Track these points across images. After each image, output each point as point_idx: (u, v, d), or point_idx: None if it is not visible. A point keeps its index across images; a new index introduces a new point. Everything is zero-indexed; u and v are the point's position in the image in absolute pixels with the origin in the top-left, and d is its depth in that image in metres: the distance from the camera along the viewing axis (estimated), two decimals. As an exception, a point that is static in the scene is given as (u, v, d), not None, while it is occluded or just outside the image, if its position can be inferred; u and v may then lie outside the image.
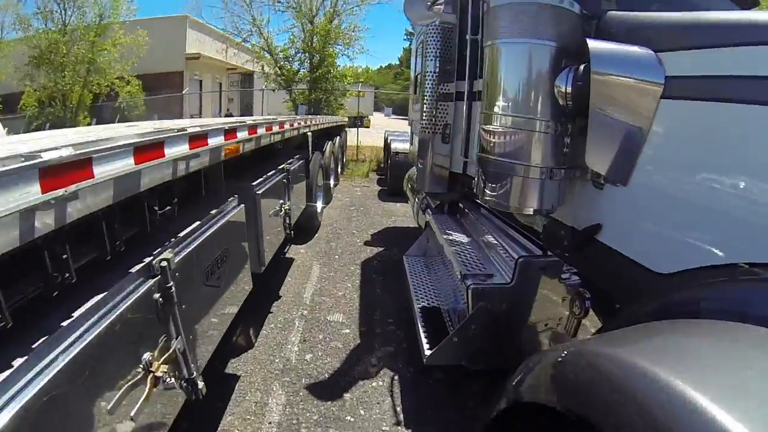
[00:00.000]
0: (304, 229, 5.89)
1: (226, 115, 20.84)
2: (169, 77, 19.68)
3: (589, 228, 2.02)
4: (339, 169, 10.10)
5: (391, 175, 9.00)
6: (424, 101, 3.48)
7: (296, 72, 17.27)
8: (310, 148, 5.55)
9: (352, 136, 14.34)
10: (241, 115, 20.09)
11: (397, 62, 79.83)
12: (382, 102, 47.84)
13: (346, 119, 13.05)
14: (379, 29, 34.62)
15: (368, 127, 21.35)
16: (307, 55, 16.96)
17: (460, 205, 4.12)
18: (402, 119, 29.08)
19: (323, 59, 16.74)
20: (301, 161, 5.13)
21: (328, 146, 7.37)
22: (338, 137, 9.74)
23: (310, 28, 16.87)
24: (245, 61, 21.84)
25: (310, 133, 5.58)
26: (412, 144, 4.98)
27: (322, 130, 7.30)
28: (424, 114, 3.48)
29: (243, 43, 18.61)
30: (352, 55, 18.57)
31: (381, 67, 73.72)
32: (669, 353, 0.99)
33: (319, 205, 6.60)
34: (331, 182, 8.02)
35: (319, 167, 6.19)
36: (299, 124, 5.23)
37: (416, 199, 5.06)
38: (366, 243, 6.28)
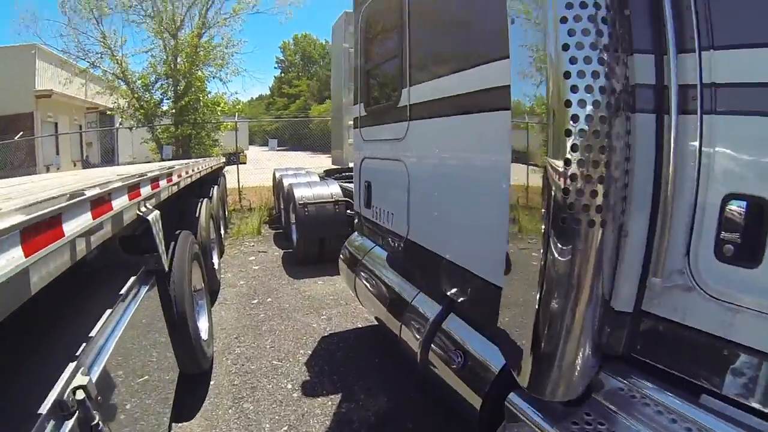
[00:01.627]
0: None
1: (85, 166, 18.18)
2: (16, 120, 16.99)
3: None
4: (222, 232, 8.62)
5: (302, 237, 7.57)
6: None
7: (158, 103, 15.63)
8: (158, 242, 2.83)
9: (230, 177, 13.15)
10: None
11: (269, 92, 79.86)
12: (255, 136, 46.76)
13: (223, 159, 12.15)
14: (257, 46, 33.61)
15: (245, 163, 20.58)
16: (170, 81, 15.44)
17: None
18: (289, 151, 27.52)
19: (190, 84, 15.21)
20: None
21: (203, 209, 5.74)
22: (216, 186, 8.18)
23: (173, 44, 15.32)
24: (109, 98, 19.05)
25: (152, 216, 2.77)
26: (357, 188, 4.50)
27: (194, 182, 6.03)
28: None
29: (92, 71, 16.49)
30: (225, 77, 16.85)
31: (252, 99, 72.88)
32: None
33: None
34: (215, 260, 6.39)
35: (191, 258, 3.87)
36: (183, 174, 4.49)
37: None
38: (305, 392, 4.00)
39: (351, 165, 6.00)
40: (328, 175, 10.12)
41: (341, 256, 4.90)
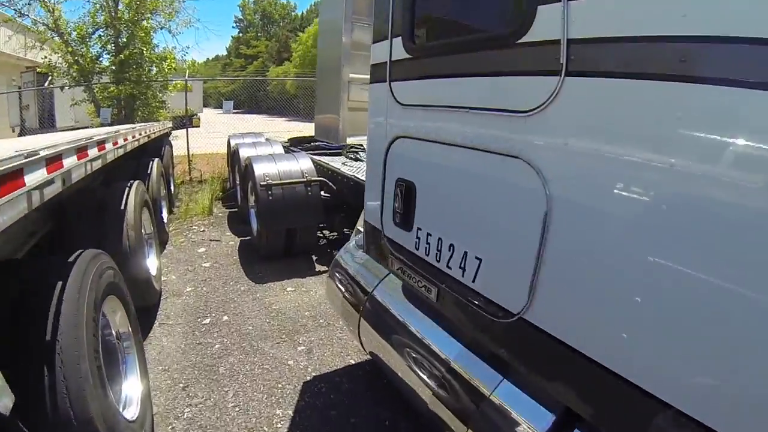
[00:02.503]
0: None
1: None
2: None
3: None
4: (165, 217, 6.65)
5: (265, 227, 5.60)
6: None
7: (96, 58, 12.54)
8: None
9: (178, 145, 10.82)
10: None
11: (225, 53, 74.32)
12: (210, 98, 42.91)
13: (170, 124, 9.88)
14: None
15: (198, 126, 18.25)
16: (111, 32, 12.40)
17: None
18: (245, 114, 24.88)
19: (133, 36, 12.21)
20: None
21: (132, 195, 3.98)
22: (156, 161, 6.21)
23: (116, -13, 12.06)
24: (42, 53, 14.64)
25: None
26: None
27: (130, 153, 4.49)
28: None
29: (20, 21, 13.06)
30: (176, 29, 13.80)
31: (208, 59, 67.51)
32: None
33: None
34: (152, 271, 4.32)
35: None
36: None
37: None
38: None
39: (350, 141, 4.26)
40: (294, 145, 8.12)
41: (334, 279, 3.19)
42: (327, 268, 5.53)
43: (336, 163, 6.26)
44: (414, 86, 2.03)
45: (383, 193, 2.29)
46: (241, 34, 69.26)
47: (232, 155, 8.29)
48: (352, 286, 2.97)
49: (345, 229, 6.28)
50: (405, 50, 2.03)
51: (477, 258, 1.80)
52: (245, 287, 5.22)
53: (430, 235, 2.05)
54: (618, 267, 1.26)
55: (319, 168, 6.07)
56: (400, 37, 2.04)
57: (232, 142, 8.57)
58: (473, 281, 1.81)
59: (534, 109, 1.46)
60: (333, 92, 3.97)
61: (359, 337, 2.86)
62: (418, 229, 2.11)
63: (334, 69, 4.13)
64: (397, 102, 2.12)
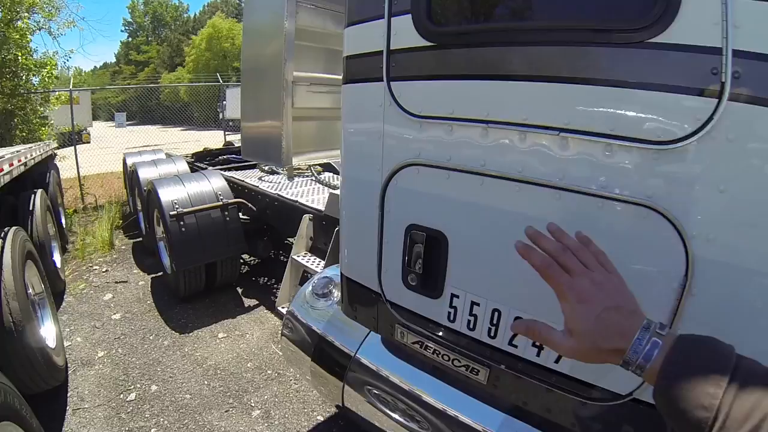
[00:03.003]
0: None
1: None
2: None
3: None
4: (58, 260, 5.07)
5: (180, 265, 4.47)
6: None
7: None
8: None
9: (66, 166, 9.05)
10: None
11: (114, 60, 66.95)
12: (100, 111, 38.07)
13: (54, 144, 8.16)
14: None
15: (88, 142, 16.03)
16: None
17: None
18: (138, 126, 22.51)
19: (6, 39, 9.58)
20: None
21: (8, 250, 2.92)
22: (39, 193, 4.74)
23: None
24: None
25: None
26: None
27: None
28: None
29: None
30: (57, 30, 11.16)
31: (95, 68, 60.38)
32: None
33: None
34: (49, 342, 3.22)
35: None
36: None
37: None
38: None
39: (297, 162, 3.33)
40: (200, 160, 7.04)
41: (293, 339, 2.45)
42: (257, 302, 4.86)
43: (252, 179, 5.39)
44: (440, 89, 1.33)
45: (381, 245, 1.59)
46: (130, 39, 62.58)
47: (130, 177, 6.86)
48: (323, 349, 2.26)
49: (272, 252, 5.55)
50: (420, 34, 1.32)
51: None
52: (169, 341, 4.19)
53: (477, 304, 1.40)
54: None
55: (234, 186, 5.11)
56: (410, 15, 1.32)
57: (129, 161, 7.17)
58: (556, 362, 1.27)
59: (674, 141, 0.97)
60: (269, 98, 3.05)
61: (342, 402, 2.19)
62: (454, 296, 1.45)
63: (269, 67, 3.10)
64: (405, 112, 1.40)
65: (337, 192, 3.41)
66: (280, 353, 3.70)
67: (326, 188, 4.73)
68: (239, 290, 5.20)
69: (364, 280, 1.73)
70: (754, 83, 0.87)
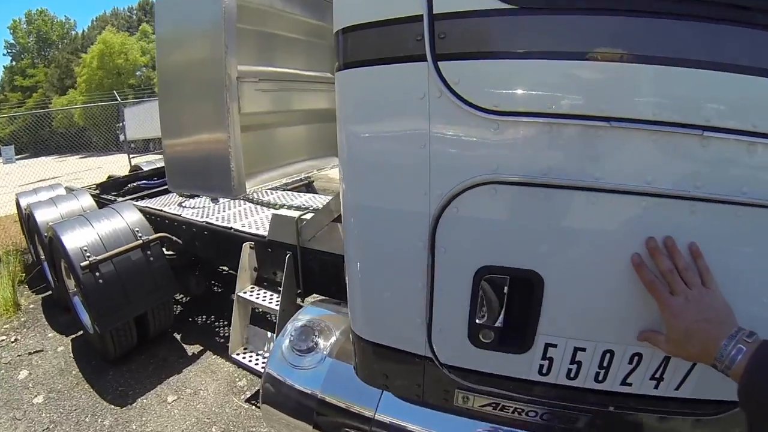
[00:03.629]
0: None
1: None
2: None
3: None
4: None
5: (103, 324, 3.55)
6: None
7: None
8: None
9: None
10: None
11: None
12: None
13: None
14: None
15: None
16: None
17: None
18: (31, 159, 19.53)
19: None
20: None
21: None
22: None
23: None
24: None
25: None
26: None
27: None
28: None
29: None
30: None
31: (-44, 96, 52.23)
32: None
33: None
34: None
35: None
36: None
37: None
38: None
39: (254, 191, 2.57)
40: (107, 191, 5.90)
41: (282, 407, 1.90)
42: (201, 347, 4.08)
43: (171, 206, 4.50)
44: (532, 71, 0.91)
45: (432, 297, 1.13)
46: (14, 63, 54.93)
47: (27, 221, 5.54)
48: (327, 413, 1.76)
49: (209, 283, 4.80)
50: None
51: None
52: (110, 420, 3.33)
53: (583, 349, 1.06)
54: None
55: (152, 218, 4.23)
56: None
57: (23, 202, 5.84)
58: (677, 388, 1.09)
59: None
60: (204, 105, 2.24)
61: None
62: (550, 345, 1.07)
63: (202, 66, 2.35)
64: (470, 106, 0.94)
65: (284, 213, 2.79)
66: (251, 410, 3.08)
67: (261, 208, 4.07)
68: (178, 337, 4.37)
69: (398, 342, 1.26)
70: None
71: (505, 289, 1.04)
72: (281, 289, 2.68)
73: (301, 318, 2.00)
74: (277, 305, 2.72)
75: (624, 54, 0.84)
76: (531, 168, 0.93)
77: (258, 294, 3.08)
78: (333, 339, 1.96)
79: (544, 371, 1.11)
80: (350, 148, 1.15)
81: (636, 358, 1.05)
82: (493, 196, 0.97)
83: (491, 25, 0.90)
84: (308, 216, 2.59)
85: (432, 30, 0.92)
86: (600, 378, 1.08)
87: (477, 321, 1.09)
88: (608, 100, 0.86)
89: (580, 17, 0.86)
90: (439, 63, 0.93)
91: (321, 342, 1.91)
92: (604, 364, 1.06)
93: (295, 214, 2.65)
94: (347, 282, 1.36)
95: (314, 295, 2.98)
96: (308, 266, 2.71)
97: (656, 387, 1.07)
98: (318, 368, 1.83)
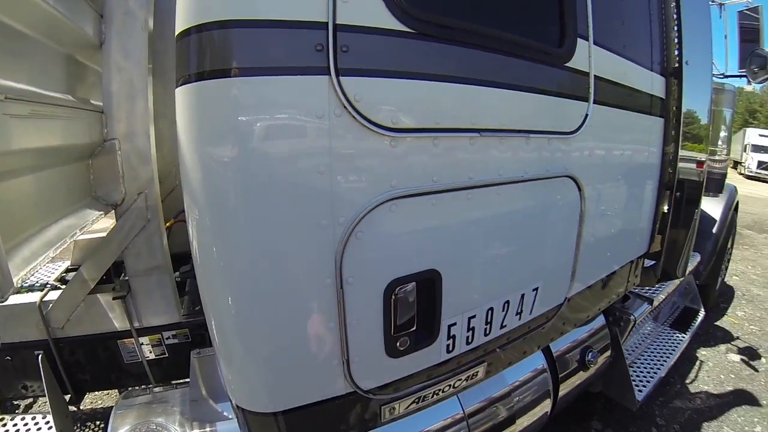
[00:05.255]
0: None
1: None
2: None
3: None
4: None
5: None
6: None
7: None
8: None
9: None
10: None
11: None
12: None
13: None
14: None
15: None
16: None
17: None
18: None
19: None
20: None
21: None
22: None
23: None
24: None
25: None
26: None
27: None
28: None
29: None
30: None
31: None
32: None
33: None
34: None
35: None
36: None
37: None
38: None
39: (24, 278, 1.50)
40: None
41: None
42: None
43: None
44: (422, 91, 0.97)
45: (345, 331, 1.09)
46: None
47: None
48: None
49: None
50: (393, 14, 0.90)
51: (534, 289, 1.49)
52: None
53: (474, 316, 1.30)
54: None
55: None
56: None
57: None
58: (530, 312, 1.51)
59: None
60: None
61: None
62: (451, 326, 1.24)
63: None
64: (372, 124, 0.94)
65: (14, 301, 1.98)
66: None
67: None
68: None
69: (315, 395, 1.16)
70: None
71: (414, 294, 1.11)
72: (47, 404, 1.92)
73: (121, 430, 1.54)
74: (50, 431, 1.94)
75: (483, 79, 1.04)
76: (423, 179, 1.02)
77: (10, 429, 2.10)
78: (175, 438, 1.60)
79: (451, 348, 1.27)
80: (217, 188, 0.93)
81: (505, 305, 1.33)
82: (393, 211, 1.02)
83: (392, 44, 0.93)
84: (53, 295, 1.92)
85: (336, 41, 0.87)
86: (487, 332, 1.34)
87: (393, 334, 1.13)
88: (477, 116, 1.06)
89: (454, 47, 1.03)
90: (341, 78, 0.88)
91: None
92: (489, 320, 1.33)
93: (33, 297, 1.92)
94: (226, 358, 1.14)
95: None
96: (72, 361, 2.04)
97: (520, 318, 1.42)
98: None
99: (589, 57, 1.47)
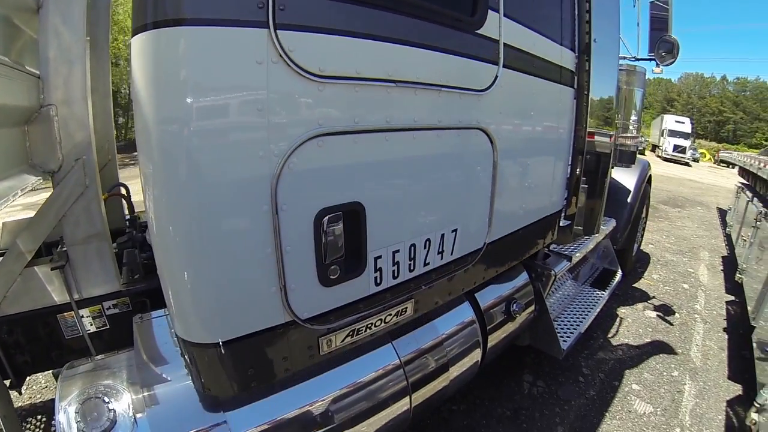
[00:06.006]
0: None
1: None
2: None
3: None
4: None
5: None
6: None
7: None
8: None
9: None
10: None
11: None
12: None
13: None
14: None
15: None
16: None
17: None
18: None
19: None
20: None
21: None
22: None
23: None
24: None
25: None
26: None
27: None
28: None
29: None
30: None
31: None
32: None
33: None
34: None
35: None
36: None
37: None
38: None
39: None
40: None
41: None
42: None
43: None
44: (345, 46, 1.15)
45: (281, 257, 1.23)
46: None
47: None
48: None
49: None
50: None
51: (453, 231, 1.71)
52: None
53: (397, 250, 1.48)
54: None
55: None
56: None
57: None
58: (452, 253, 1.73)
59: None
60: None
61: None
62: (377, 258, 1.42)
63: None
64: (303, 71, 1.11)
65: None
66: None
67: None
68: None
69: (256, 323, 1.29)
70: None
71: (341, 224, 1.27)
72: None
73: (69, 397, 1.57)
74: (-13, 417, 1.91)
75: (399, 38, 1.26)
76: (345, 120, 1.19)
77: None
78: (126, 395, 1.63)
79: (379, 281, 1.44)
80: (170, 121, 1.04)
81: (427, 242, 1.51)
82: (320, 147, 1.17)
83: (320, 5, 1.12)
84: (-17, 272, 1.89)
85: (275, 1, 1.04)
86: (412, 267, 1.52)
87: (324, 262, 1.28)
88: (393, 69, 1.26)
89: (374, 9, 1.22)
90: (278, 32, 1.04)
91: (118, 406, 1.55)
92: (412, 256, 1.51)
93: None
94: (171, 292, 1.24)
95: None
96: (10, 342, 2.02)
97: (441, 257, 1.60)
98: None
99: (500, 27, 1.68)
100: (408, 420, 1.91)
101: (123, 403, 1.53)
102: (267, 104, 1.08)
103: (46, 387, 3.04)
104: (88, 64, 1.80)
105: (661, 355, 3.50)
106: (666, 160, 25.93)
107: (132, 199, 2.63)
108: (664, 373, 3.26)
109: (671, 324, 4.00)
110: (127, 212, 2.68)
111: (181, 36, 1.00)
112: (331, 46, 1.17)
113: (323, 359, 1.48)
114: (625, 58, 3.89)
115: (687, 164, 25.70)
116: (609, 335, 3.75)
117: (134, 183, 2.95)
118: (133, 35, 1.07)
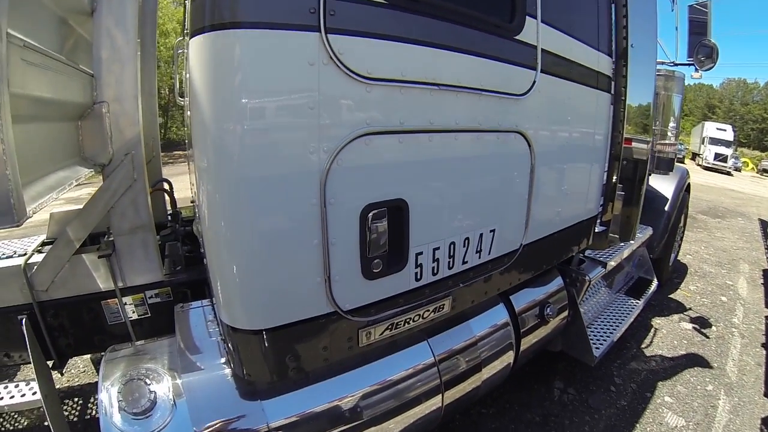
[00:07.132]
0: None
1: None
2: None
3: None
4: None
5: None
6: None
7: None
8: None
9: None
10: None
11: None
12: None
13: None
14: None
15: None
16: None
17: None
18: None
19: None
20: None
21: None
22: None
23: None
24: None
25: None
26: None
27: None
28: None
29: None
30: None
31: None
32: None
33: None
34: None
35: None
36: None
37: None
38: None
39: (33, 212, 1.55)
40: None
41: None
42: None
43: None
44: (391, 50, 1.26)
45: (327, 250, 1.31)
46: None
47: None
48: None
49: None
50: None
51: (491, 231, 1.78)
52: None
53: (438, 248, 1.57)
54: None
55: None
56: None
57: None
58: (489, 253, 1.79)
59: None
60: None
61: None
62: (418, 255, 1.50)
63: None
64: (352, 73, 1.21)
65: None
66: None
67: None
68: None
69: (300, 313, 1.37)
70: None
71: (385, 220, 1.34)
72: (31, 369, 2.03)
73: (112, 377, 1.68)
74: (34, 396, 2.06)
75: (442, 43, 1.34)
76: (391, 120, 1.27)
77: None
78: (166, 379, 1.73)
79: (419, 277, 1.51)
80: (226, 119, 1.14)
81: (466, 240, 1.58)
82: (367, 145, 1.25)
83: (369, 11, 1.21)
84: (38, 258, 2.04)
85: (325, 6, 1.13)
86: (451, 265, 1.59)
87: (368, 255, 1.36)
88: (436, 73, 1.35)
89: (418, 15, 1.31)
90: (328, 35, 1.14)
91: (158, 389, 1.65)
92: (452, 254, 1.58)
93: (18, 261, 2.03)
94: (220, 280, 1.34)
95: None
96: (56, 325, 2.16)
97: (479, 257, 1.67)
98: (174, 419, 1.59)
99: (537, 32, 1.73)
100: (438, 419, 1.96)
101: (163, 386, 1.62)
102: (317, 103, 1.18)
103: (84, 371, 3.20)
104: (139, 65, 1.92)
105: (695, 368, 3.45)
106: (706, 168, 25.24)
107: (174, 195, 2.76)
108: (698, 387, 3.22)
109: (707, 337, 3.94)
110: (169, 207, 2.82)
111: (236, 38, 1.09)
112: (378, 49, 1.26)
113: (361, 351, 1.55)
114: (663, 63, 3.87)
115: (728, 173, 24.95)
116: (643, 345, 3.72)
117: (175, 179, 3.11)
118: (191, 37, 1.17)
